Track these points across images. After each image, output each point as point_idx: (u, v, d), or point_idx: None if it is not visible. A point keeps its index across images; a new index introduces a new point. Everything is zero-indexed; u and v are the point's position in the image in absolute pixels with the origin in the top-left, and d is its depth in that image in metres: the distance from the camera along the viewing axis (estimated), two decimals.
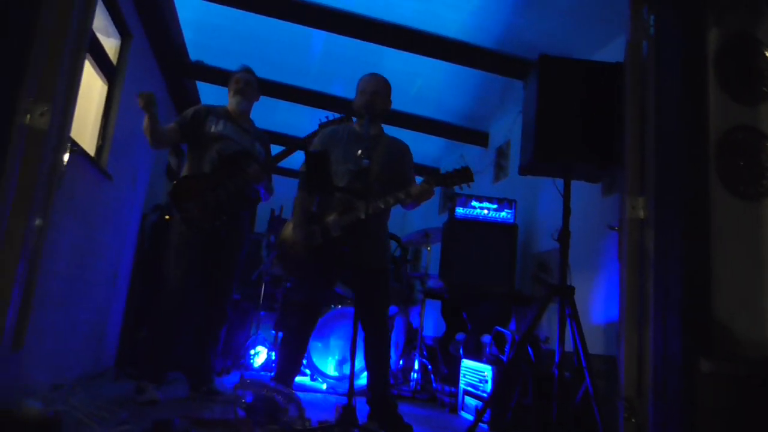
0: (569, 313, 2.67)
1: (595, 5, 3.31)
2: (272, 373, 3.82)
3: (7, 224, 1.84)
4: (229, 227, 3.13)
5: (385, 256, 2.82)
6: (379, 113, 2.82)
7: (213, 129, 3.19)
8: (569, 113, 2.80)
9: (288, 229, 2.77)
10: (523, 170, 2.98)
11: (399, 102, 5.02)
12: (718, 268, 2.12)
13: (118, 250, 4.00)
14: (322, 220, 2.66)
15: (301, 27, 3.84)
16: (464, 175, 2.59)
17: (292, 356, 2.76)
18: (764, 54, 2.35)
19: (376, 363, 2.67)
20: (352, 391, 2.13)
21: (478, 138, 5.33)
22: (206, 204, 3.00)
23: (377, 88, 2.83)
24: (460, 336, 4.00)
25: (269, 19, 3.78)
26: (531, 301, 3.85)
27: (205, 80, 4.89)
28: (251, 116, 3.44)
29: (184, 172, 3.21)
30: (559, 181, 2.95)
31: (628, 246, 2.37)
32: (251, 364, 4.80)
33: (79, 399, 2.33)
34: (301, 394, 3.77)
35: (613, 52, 3.48)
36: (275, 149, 3.36)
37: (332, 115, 3.13)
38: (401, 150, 2.96)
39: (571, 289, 2.73)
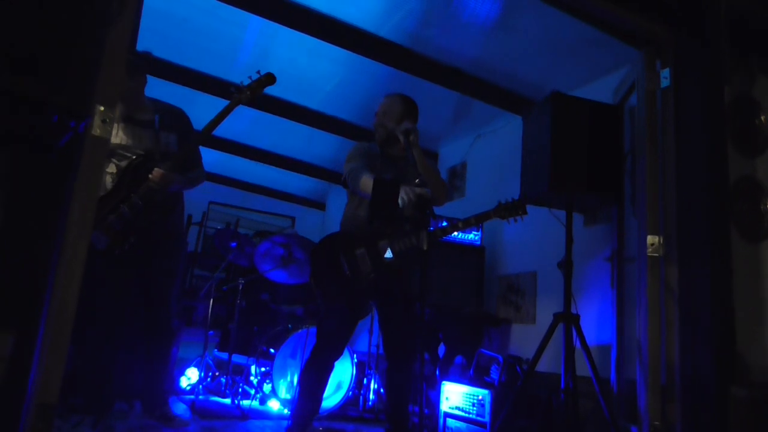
0: (577, 340, 2.81)
1: (578, 45, 3.53)
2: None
3: None
4: (150, 238, 2.83)
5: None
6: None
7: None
8: (577, 149, 2.96)
9: (326, 247, 2.57)
10: (529, 200, 3.08)
11: (338, 108, 4.91)
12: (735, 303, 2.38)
13: None
14: (372, 244, 2.51)
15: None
16: (519, 206, 2.65)
17: (314, 392, 2.57)
18: (758, 111, 2.70)
19: (405, 396, 2.56)
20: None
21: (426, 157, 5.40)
22: (110, 227, 2.66)
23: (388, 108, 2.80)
24: (427, 356, 4.02)
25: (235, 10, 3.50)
26: (501, 323, 3.98)
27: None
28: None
29: None
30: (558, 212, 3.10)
31: (649, 280, 2.56)
32: (180, 388, 4.39)
33: None
34: (259, 422, 3.53)
35: (589, 91, 3.75)
36: None
37: None
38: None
39: (577, 317, 2.87)
